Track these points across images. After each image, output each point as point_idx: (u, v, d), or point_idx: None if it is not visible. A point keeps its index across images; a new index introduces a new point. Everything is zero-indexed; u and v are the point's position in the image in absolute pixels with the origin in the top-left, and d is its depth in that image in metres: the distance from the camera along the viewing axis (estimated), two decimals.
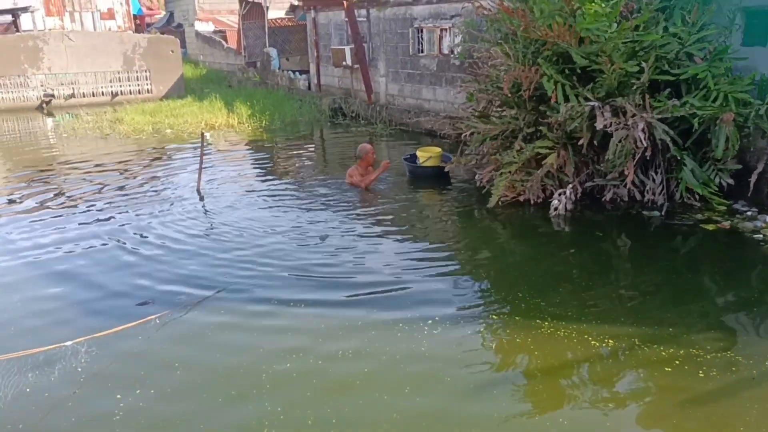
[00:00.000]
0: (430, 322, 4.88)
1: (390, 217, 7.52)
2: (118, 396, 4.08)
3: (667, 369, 4.20)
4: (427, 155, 9.29)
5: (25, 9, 21.59)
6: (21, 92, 19.02)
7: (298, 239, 6.82)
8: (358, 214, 7.64)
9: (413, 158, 9.58)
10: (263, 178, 9.80)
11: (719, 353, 4.38)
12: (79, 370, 4.40)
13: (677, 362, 4.27)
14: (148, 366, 4.44)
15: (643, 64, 7.09)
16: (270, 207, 8.08)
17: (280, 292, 5.49)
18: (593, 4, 6.96)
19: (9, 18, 21.46)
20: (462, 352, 4.49)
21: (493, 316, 5.01)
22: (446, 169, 9.04)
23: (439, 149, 9.54)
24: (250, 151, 12.52)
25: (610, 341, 4.56)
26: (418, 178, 9.23)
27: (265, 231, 7.11)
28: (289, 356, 4.47)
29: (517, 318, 4.93)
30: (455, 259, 6.27)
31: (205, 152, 9.38)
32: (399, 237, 6.85)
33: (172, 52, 20.48)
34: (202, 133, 9.20)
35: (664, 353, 4.38)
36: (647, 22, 7.35)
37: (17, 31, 21.26)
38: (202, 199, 8.57)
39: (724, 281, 5.71)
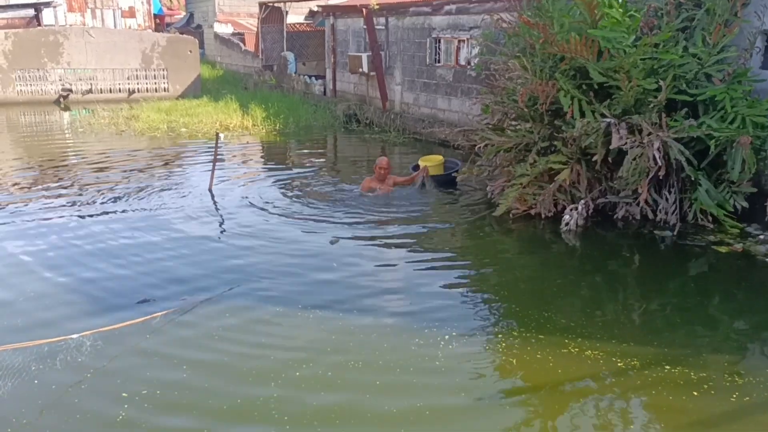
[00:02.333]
0: (440, 334, 4.85)
1: (400, 226, 7.52)
2: (124, 394, 4.08)
3: (674, 390, 4.15)
4: (429, 164, 9.33)
5: (47, 4, 21.85)
6: (40, 85, 19.20)
7: (307, 244, 6.83)
8: (369, 222, 7.63)
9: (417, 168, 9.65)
10: (275, 181, 9.83)
11: (728, 376, 4.33)
12: (85, 363, 4.41)
13: (685, 383, 4.22)
14: (152, 365, 4.44)
15: (661, 83, 7.06)
16: (281, 210, 8.09)
17: (287, 298, 5.48)
18: (614, 10, 6.93)
19: (32, 12, 21.75)
20: (472, 366, 4.46)
21: (503, 331, 4.98)
22: (457, 178, 9.05)
23: (440, 157, 9.62)
24: (264, 154, 12.56)
25: (619, 360, 4.52)
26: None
27: (275, 234, 7.11)
28: (298, 365, 4.42)
29: (526, 333, 4.89)
30: (465, 271, 6.25)
31: (218, 153, 9.44)
32: (409, 247, 6.84)
33: (191, 52, 20.63)
34: (217, 134, 9.25)
35: (672, 374, 4.34)
36: (667, 40, 7.33)
37: (39, 25, 21.51)
38: (213, 199, 8.61)
39: (734, 304, 5.65)
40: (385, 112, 15.47)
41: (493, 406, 4.01)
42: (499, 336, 4.90)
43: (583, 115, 7.34)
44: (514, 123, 8.38)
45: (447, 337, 4.79)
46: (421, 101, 14.47)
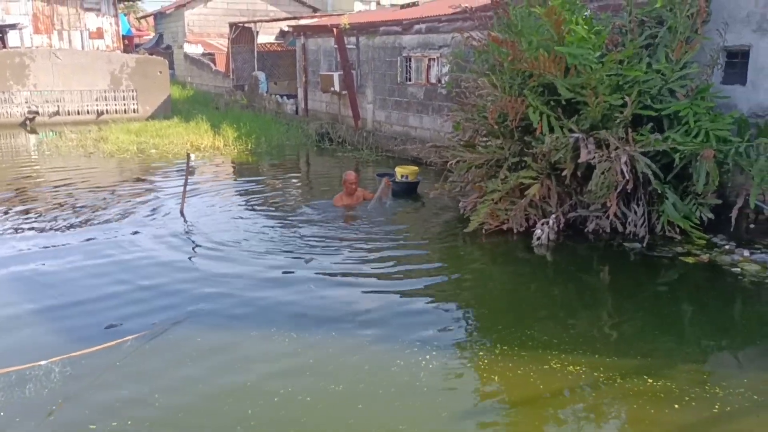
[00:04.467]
0: (420, 355, 4.83)
1: (375, 244, 7.53)
2: (92, 426, 3.99)
3: (656, 403, 4.21)
4: (406, 172, 9.89)
5: (13, 26, 21.57)
6: (5, 108, 18.89)
7: (282, 264, 6.80)
8: (343, 241, 7.64)
9: (385, 175, 10.14)
10: (248, 202, 9.78)
11: (697, 386, 4.40)
12: (55, 391, 4.31)
13: (666, 396, 4.28)
14: (122, 392, 4.34)
15: (627, 98, 7.23)
16: (254, 231, 8.05)
17: (262, 321, 5.44)
18: (580, 27, 7.10)
19: None
20: (454, 385, 4.46)
21: (483, 348, 5.00)
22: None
23: (416, 168, 10.14)
24: (236, 174, 12.49)
25: (591, 371, 4.57)
26: (394, 193, 9.58)
27: (248, 256, 7.07)
28: (275, 391, 4.33)
29: (506, 349, 4.92)
30: (440, 289, 6.27)
31: (189, 174, 9.37)
32: (384, 266, 6.84)
33: (160, 72, 20.52)
34: (188, 155, 9.18)
35: (653, 387, 4.39)
36: (631, 57, 7.52)
37: (4, 47, 21.23)
38: (185, 222, 8.54)
39: (702, 313, 5.77)
40: (357, 131, 15.53)
41: (477, 425, 4.01)
42: (480, 353, 4.91)
43: (552, 130, 7.46)
44: (484, 139, 8.48)
45: (428, 356, 4.78)
46: (393, 119, 14.57)
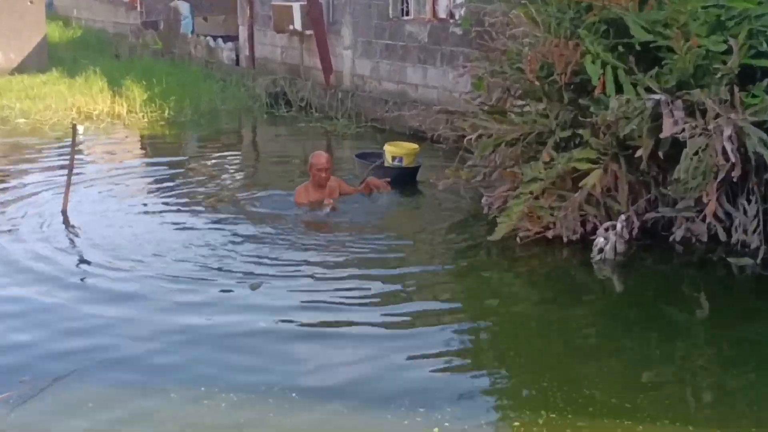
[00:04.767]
0: (430, 421, 4.77)
1: (352, 260, 7.48)
2: None
3: None
4: (399, 152, 9.97)
5: None
6: None
7: (212, 291, 6.73)
8: (311, 255, 7.61)
9: (369, 157, 10.40)
10: (164, 196, 9.73)
11: None
12: None
13: None
14: None
15: (732, 42, 7.21)
16: (172, 242, 7.99)
17: (184, 376, 5.38)
18: None
19: None
20: None
21: (515, 411, 4.99)
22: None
23: (416, 146, 10.32)
24: (146, 156, 12.42)
25: None
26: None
27: (162, 279, 7.01)
28: None
29: (547, 414, 4.86)
30: (456, 327, 6.22)
31: (77, 155, 9.26)
32: (373, 295, 6.78)
33: (31, 3, 20.39)
34: (73, 126, 9.09)
35: None
36: None
37: None
38: (68, 225, 8.46)
39: None
40: (329, 90, 15.49)
41: None
42: (510, 418, 4.90)
43: (620, 90, 7.44)
44: (519, 103, 8.50)
45: (440, 424, 4.75)
46: (383, 72, 14.54)
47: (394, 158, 9.98)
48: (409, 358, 5.70)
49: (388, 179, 9.48)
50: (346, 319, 6.33)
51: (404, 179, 9.94)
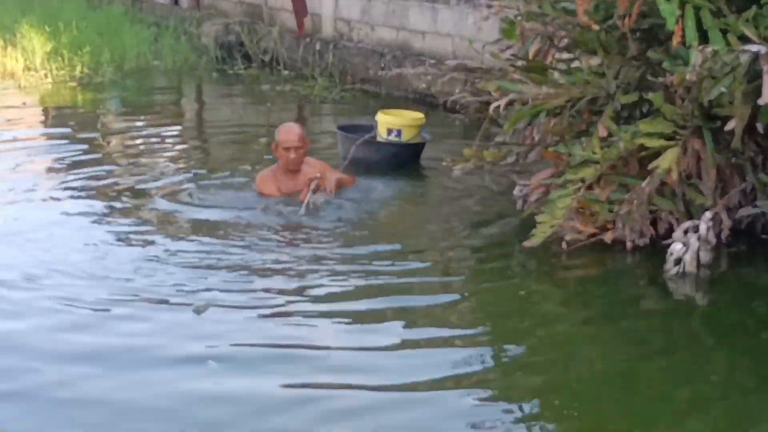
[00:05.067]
0: None
1: (336, 271, 7.47)
2: None
3: None
4: (398, 122, 10.06)
5: None
6: None
7: (141, 317, 6.71)
8: (272, 264, 7.61)
9: (356, 130, 10.54)
10: (72, 189, 9.72)
11: None
12: None
13: None
14: None
15: None
16: (92, 242, 8.01)
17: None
18: None
19: None
20: None
21: None
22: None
23: (420, 115, 10.47)
24: (51, 128, 12.42)
25: None
26: (372, 164, 9.94)
27: (78, 290, 7.02)
28: None
29: None
30: (485, 366, 6.20)
31: None
32: (373, 319, 6.77)
33: None
34: None
35: None
36: None
37: None
38: None
39: None
40: (303, 39, 15.54)
41: None
42: None
43: (704, 39, 7.49)
44: (566, 57, 8.51)
45: None
46: (377, 15, 14.62)
47: (390, 131, 10.00)
48: (424, 391, 5.74)
49: (380, 159, 9.56)
50: (339, 338, 6.36)
51: (403, 160, 10.01)
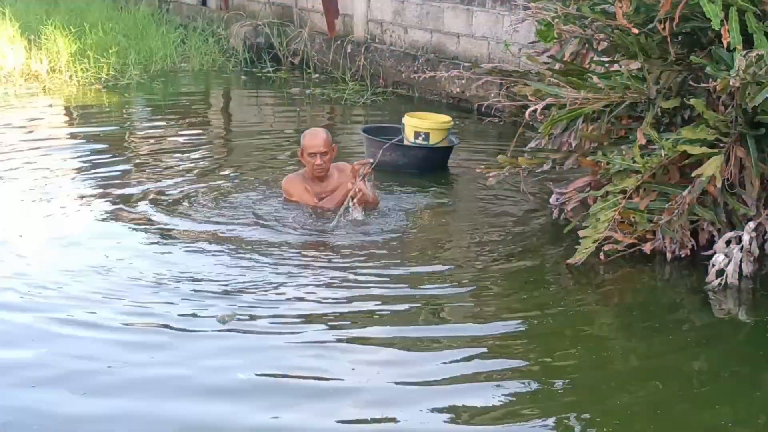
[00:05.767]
0: None
1: (366, 284, 7.40)
2: None
3: None
4: (424, 126, 10.07)
5: None
6: None
7: (178, 318, 6.66)
8: (300, 275, 7.56)
9: (382, 132, 10.56)
10: (100, 193, 9.69)
11: None
12: None
13: None
14: None
15: None
16: (113, 257, 7.90)
17: None
18: None
19: None
20: None
21: None
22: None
23: (447, 118, 10.52)
24: (76, 130, 12.41)
25: None
26: (399, 168, 10.05)
27: (109, 297, 6.99)
28: None
29: None
30: (522, 388, 6.07)
31: None
32: (396, 336, 6.67)
33: None
34: None
35: None
36: None
37: None
38: None
39: None
40: (333, 42, 15.54)
41: None
42: None
43: (750, 42, 7.37)
44: (604, 60, 8.42)
45: None
46: (410, 17, 14.62)
47: (416, 134, 9.96)
48: (460, 411, 5.63)
49: (406, 163, 9.51)
50: (369, 346, 6.34)
51: (430, 164, 9.95)
